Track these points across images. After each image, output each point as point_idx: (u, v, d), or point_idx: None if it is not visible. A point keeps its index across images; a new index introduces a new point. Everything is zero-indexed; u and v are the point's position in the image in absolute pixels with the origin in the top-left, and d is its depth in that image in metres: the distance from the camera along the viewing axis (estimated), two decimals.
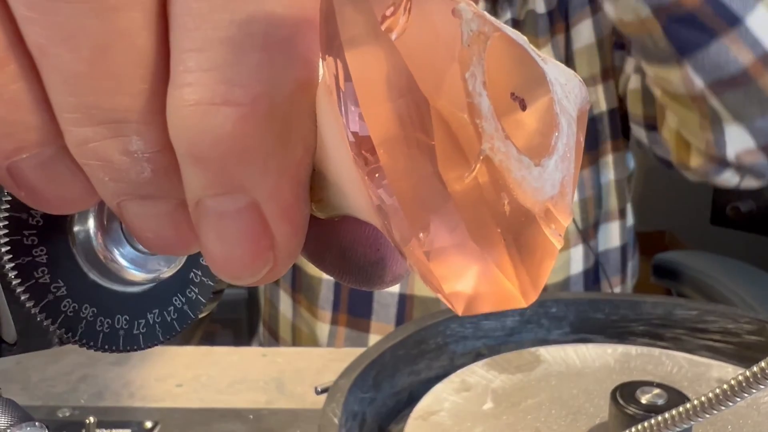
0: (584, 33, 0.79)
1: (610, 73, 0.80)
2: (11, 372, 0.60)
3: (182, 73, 0.13)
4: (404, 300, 0.76)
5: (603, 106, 0.79)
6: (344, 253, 0.16)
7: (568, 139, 0.15)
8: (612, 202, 0.81)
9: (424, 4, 0.12)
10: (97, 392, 0.57)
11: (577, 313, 0.48)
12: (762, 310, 0.86)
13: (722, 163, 0.71)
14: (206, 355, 0.64)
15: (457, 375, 0.43)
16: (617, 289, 0.83)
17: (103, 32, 0.12)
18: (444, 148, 0.12)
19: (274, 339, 0.85)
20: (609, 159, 0.80)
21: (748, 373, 0.21)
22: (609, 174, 0.80)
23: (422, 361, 0.45)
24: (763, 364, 0.20)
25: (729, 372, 0.43)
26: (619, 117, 0.81)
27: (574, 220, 0.77)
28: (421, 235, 0.13)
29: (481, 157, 0.13)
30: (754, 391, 0.21)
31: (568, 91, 0.15)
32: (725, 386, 0.22)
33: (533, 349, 0.46)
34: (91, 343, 0.20)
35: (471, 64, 0.12)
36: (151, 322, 0.21)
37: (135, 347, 0.21)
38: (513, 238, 0.13)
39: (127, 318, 0.21)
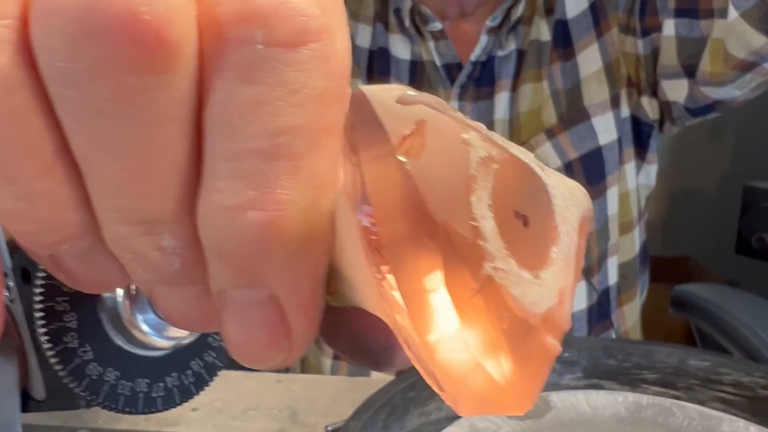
0: (591, 59, 0.78)
1: (619, 99, 0.79)
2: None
3: (214, 179, 0.14)
4: None
5: (613, 135, 0.78)
6: (355, 338, 0.17)
7: (568, 249, 0.16)
8: (616, 232, 0.80)
9: (438, 132, 0.13)
10: (115, 415, 0.58)
11: (589, 359, 0.48)
12: None
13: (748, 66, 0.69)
14: (223, 378, 0.64)
15: (467, 419, 0.43)
16: (627, 307, 0.82)
17: (142, 145, 0.13)
18: (450, 268, 0.13)
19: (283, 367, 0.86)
20: (615, 190, 0.79)
21: None
22: (615, 206, 0.79)
23: (432, 403, 0.45)
24: None
25: (740, 427, 0.43)
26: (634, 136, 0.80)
27: None
28: (425, 341, 0.13)
29: (485, 275, 0.13)
30: None
31: (571, 202, 0.15)
32: None
33: (543, 395, 0.46)
34: (113, 406, 0.21)
35: (477, 188, 0.13)
36: (169, 385, 0.22)
37: (153, 410, 0.22)
38: (511, 349, 0.14)
39: (148, 381, 0.22)
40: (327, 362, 0.80)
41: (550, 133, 0.77)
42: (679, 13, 0.73)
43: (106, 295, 0.21)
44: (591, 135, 0.77)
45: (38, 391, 0.22)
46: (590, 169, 0.77)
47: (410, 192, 0.13)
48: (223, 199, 0.14)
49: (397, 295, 0.13)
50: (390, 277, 0.13)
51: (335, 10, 0.14)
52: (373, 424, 0.40)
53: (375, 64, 0.80)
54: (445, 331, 0.14)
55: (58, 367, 0.20)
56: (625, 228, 0.81)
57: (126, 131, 0.13)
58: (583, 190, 0.16)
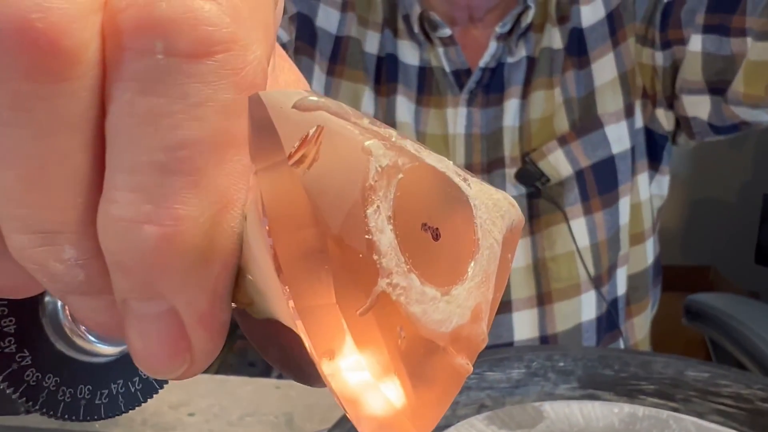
0: (606, 68, 0.77)
1: (633, 110, 0.78)
2: None
3: (112, 190, 0.14)
4: None
5: (626, 144, 0.77)
6: (284, 350, 0.17)
7: (489, 263, 0.15)
8: (627, 243, 0.79)
9: (336, 140, 0.13)
10: (113, 419, 0.58)
11: (585, 368, 0.47)
12: None
13: None
14: (221, 384, 0.65)
15: (456, 428, 0.42)
16: (638, 319, 0.81)
17: (39, 154, 0.13)
18: (342, 282, 0.13)
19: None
20: (627, 200, 0.78)
21: None
22: (626, 216, 0.78)
23: None
24: None
25: None
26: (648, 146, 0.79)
27: (585, 267, 0.75)
28: (324, 360, 0.13)
29: (379, 292, 0.13)
30: None
31: (495, 213, 0.15)
32: None
33: (537, 404, 0.45)
34: (51, 413, 0.21)
35: (377, 199, 0.13)
36: (114, 392, 0.22)
37: (96, 417, 0.21)
38: (410, 369, 0.14)
39: (90, 388, 0.21)
40: None
41: (563, 141, 0.76)
42: (708, 29, 0.71)
43: (47, 299, 0.20)
44: (604, 144, 0.76)
45: None
46: (602, 178, 0.76)
47: (303, 204, 0.13)
48: (120, 211, 0.13)
49: (298, 321, 0.13)
50: (291, 301, 0.13)
51: (251, 18, 0.14)
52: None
53: (383, 71, 0.80)
54: (342, 350, 0.13)
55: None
56: (636, 239, 0.80)
57: (21, 139, 0.13)
58: (511, 200, 0.15)
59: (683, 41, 0.74)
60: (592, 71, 0.77)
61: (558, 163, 0.76)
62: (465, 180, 0.14)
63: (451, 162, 0.14)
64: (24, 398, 0.20)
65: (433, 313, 0.13)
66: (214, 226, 0.14)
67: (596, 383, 0.47)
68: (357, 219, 0.13)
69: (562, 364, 0.47)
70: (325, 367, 0.13)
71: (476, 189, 0.15)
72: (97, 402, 0.21)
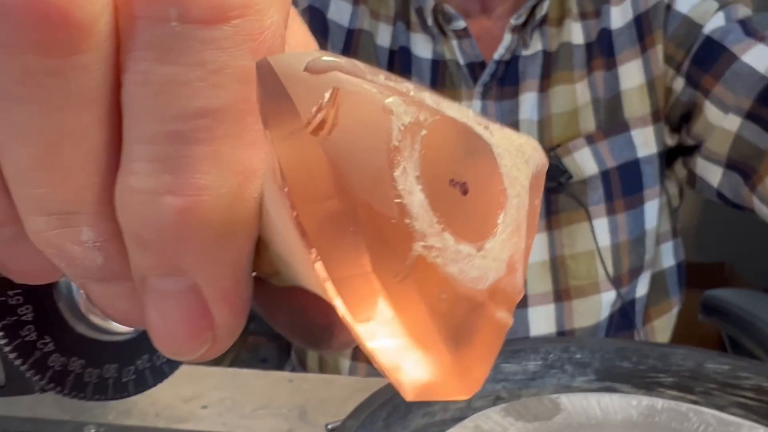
0: (633, 73, 0.76)
1: (660, 115, 0.77)
2: None
3: (130, 162, 0.13)
4: None
5: (653, 148, 0.77)
6: (294, 314, 0.16)
7: (518, 211, 0.15)
8: (653, 247, 0.78)
9: (355, 100, 0.12)
10: (126, 410, 0.58)
11: (602, 361, 0.47)
12: None
13: None
14: (234, 377, 0.64)
15: (472, 420, 0.42)
16: (658, 322, 0.80)
17: (54, 131, 0.13)
18: (376, 249, 0.12)
19: (302, 367, 0.86)
20: (654, 204, 0.77)
21: None
22: (653, 220, 0.77)
23: (437, 403, 0.44)
24: None
25: None
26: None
27: (604, 266, 0.74)
28: (361, 327, 0.12)
29: (415, 257, 0.12)
30: None
31: (519, 159, 0.14)
32: None
33: (554, 396, 0.44)
34: (81, 395, 0.21)
35: (402, 160, 0.12)
36: (140, 368, 0.21)
37: (125, 394, 0.21)
38: (453, 329, 0.13)
39: (116, 366, 0.21)
40: (345, 363, 0.79)
41: (590, 139, 0.76)
42: (753, 117, 0.69)
43: (61, 282, 0.20)
44: (629, 146, 0.76)
45: None
46: (627, 180, 0.76)
47: (326, 171, 0.12)
48: (139, 182, 0.13)
49: (328, 282, 0.13)
50: (319, 264, 0.12)
51: None
52: (372, 422, 0.39)
53: (396, 64, 0.79)
54: (379, 317, 0.13)
55: (18, 362, 0.20)
56: (659, 239, 0.80)
57: (35, 115, 0.13)
58: (534, 143, 0.15)
59: (714, 100, 0.72)
60: (619, 74, 0.76)
61: (583, 162, 0.75)
62: (486, 128, 0.14)
63: (471, 110, 0.14)
64: (52, 384, 0.20)
65: (470, 271, 0.13)
66: (237, 197, 0.13)
67: (614, 376, 0.47)
68: (385, 183, 0.12)
69: (579, 356, 0.47)
70: (363, 333, 0.13)
71: (498, 136, 0.14)
72: (124, 380, 0.21)
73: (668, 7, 0.76)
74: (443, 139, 0.13)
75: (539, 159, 0.15)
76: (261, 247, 0.14)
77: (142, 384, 0.22)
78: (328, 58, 0.13)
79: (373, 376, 0.77)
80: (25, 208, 0.14)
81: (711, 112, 0.72)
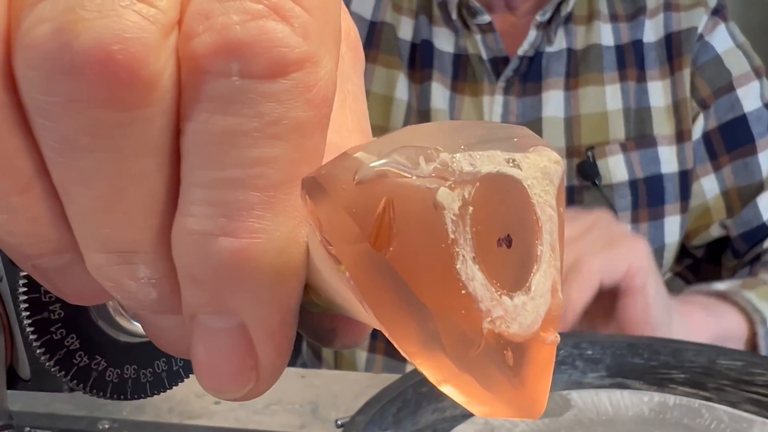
0: (660, 92, 0.77)
1: (684, 137, 0.77)
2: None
3: (188, 204, 0.14)
4: None
5: (674, 167, 0.77)
6: (302, 316, 0.17)
7: (552, 234, 0.15)
8: (671, 261, 0.79)
9: (406, 206, 0.12)
10: (140, 405, 0.59)
11: (614, 357, 0.46)
12: None
13: None
14: None
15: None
16: None
17: (118, 177, 0.13)
18: (451, 339, 0.13)
19: (317, 359, 0.86)
20: (675, 220, 0.78)
21: None
22: (673, 235, 0.78)
23: (448, 399, 0.44)
24: None
25: None
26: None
27: None
28: (443, 387, 0.13)
29: (485, 333, 0.13)
30: None
31: (545, 182, 0.14)
32: None
33: (565, 393, 0.44)
34: (101, 393, 0.21)
35: (460, 249, 0.13)
36: (158, 370, 0.22)
37: (142, 395, 0.21)
38: (516, 370, 0.14)
39: (135, 368, 0.22)
40: (362, 356, 0.80)
41: (624, 147, 0.77)
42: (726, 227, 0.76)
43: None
44: (655, 161, 0.78)
45: (24, 370, 0.22)
46: (651, 192, 0.77)
47: (394, 283, 0.12)
48: (195, 224, 0.14)
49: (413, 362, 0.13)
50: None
51: (323, 33, 0.14)
52: (382, 418, 0.39)
53: (417, 57, 0.80)
54: (456, 380, 0.13)
55: (44, 358, 0.20)
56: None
57: (100, 163, 0.13)
58: (556, 157, 0.15)
59: (719, 178, 0.78)
60: (648, 89, 0.77)
61: (616, 167, 0.76)
62: (514, 162, 0.14)
63: (498, 151, 0.14)
64: (75, 381, 0.20)
65: (526, 319, 0.14)
66: (289, 242, 0.14)
67: (625, 372, 0.47)
68: (451, 280, 0.13)
69: (590, 352, 0.46)
70: (444, 390, 0.13)
71: (525, 167, 0.14)
72: (142, 381, 0.22)
73: (700, 37, 0.77)
74: (485, 200, 0.13)
75: (560, 170, 0.15)
76: (309, 289, 0.15)
77: (158, 386, 0.22)
78: (375, 163, 0.13)
79: (388, 371, 0.77)
80: (87, 246, 0.14)
81: (708, 185, 0.78)
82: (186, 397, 0.60)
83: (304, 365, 0.88)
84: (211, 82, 0.13)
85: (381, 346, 0.78)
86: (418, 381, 0.42)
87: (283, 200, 0.14)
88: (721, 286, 0.68)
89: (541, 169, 0.15)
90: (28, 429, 0.52)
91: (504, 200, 0.14)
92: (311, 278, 0.15)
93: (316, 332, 0.17)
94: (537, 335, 0.14)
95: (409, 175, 0.13)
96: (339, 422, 0.40)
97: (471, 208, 0.13)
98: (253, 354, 0.14)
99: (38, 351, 0.20)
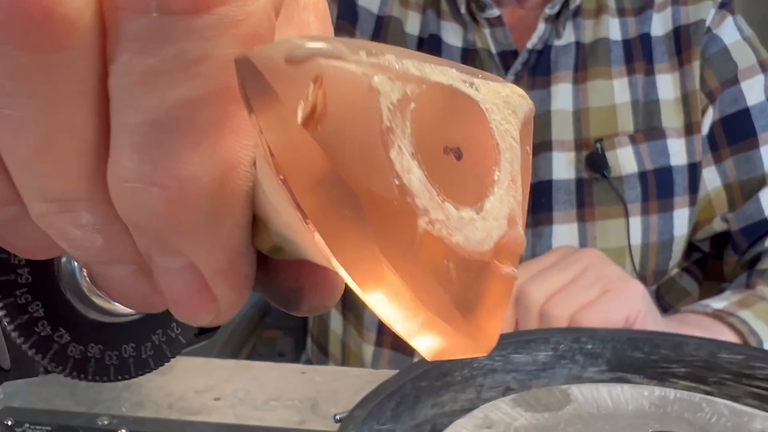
0: (669, 85, 0.77)
1: (693, 129, 0.77)
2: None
3: (117, 152, 0.13)
4: None
5: (683, 160, 0.77)
6: (268, 273, 0.17)
7: (512, 164, 0.15)
8: (679, 254, 0.79)
9: (338, 87, 0.12)
10: (139, 401, 0.59)
11: (613, 351, 0.46)
12: None
13: None
14: (246, 369, 0.65)
15: (481, 410, 0.41)
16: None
17: (47, 124, 0.13)
18: (381, 229, 0.12)
19: (323, 354, 0.85)
20: (684, 213, 0.77)
21: None
22: (682, 228, 0.78)
23: (447, 394, 0.44)
24: None
25: None
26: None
27: (633, 264, 0.75)
28: (369, 297, 0.13)
29: (420, 232, 0.12)
30: None
31: (507, 111, 0.14)
32: None
33: (564, 387, 0.44)
34: (104, 378, 0.21)
35: (396, 139, 0.12)
36: (125, 354, 0.22)
37: (104, 378, 0.21)
38: (462, 292, 0.13)
39: (101, 348, 0.21)
40: (369, 350, 0.80)
41: (633, 139, 0.77)
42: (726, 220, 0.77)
43: (64, 272, 0.20)
44: (665, 153, 0.78)
45: (4, 361, 0.22)
46: (661, 184, 0.77)
47: (320, 160, 0.12)
48: (124, 173, 0.13)
49: (335, 262, 0.13)
50: (317, 235, 0.12)
51: None
52: (380, 412, 0.38)
53: (425, 52, 0.79)
54: (388, 289, 0.13)
55: (37, 357, 0.20)
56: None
57: (27, 110, 0.13)
58: (520, 91, 0.15)
59: (721, 171, 0.78)
60: (656, 82, 0.77)
61: (625, 159, 0.76)
62: (471, 84, 0.14)
63: (453, 69, 0.14)
64: (75, 372, 0.20)
65: (474, 235, 0.13)
66: (221, 185, 0.13)
67: (625, 366, 0.46)
68: (382, 166, 0.12)
69: (590, 346, 0.46)
70: (372, 303, 0.13)
71: (484, 91, 0.14)
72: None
73: (708, 30, 0.77)
74: (432, 107, 0.13)
75: (527, 106, 0.15)
76: (261, 226, 0.15)
77: (124, 371, 0.22)
78: (307, 44, 0.12)
79: (395, 365, 0.77)
80: (28, 195, 0.14)
81: (709, 176, 0.78)
82: (186, 393, 0.60)
83: (308, 362, 0.88)
84: (130, 19, 0.12)
85: (388, 339, 0.78)
86: (417, 375, 0.41)
87: (210, 144, 0.13)
88: (717, 304, 0.67)
89: (502, 97, 0.15)
90: (27, 425, 0.52)
91: (457, 116, 0.14)
92: (262, 213, 0.14)
93: (282, 295, 0.17)
94: (491, 262, 0.14)
95: (346, 59, 0.12)
96: (337, 417, 0.40)
97: (413, 104, 0.13)
98: (207, 289, 0.15)
99: (30, 352, 0.20)
